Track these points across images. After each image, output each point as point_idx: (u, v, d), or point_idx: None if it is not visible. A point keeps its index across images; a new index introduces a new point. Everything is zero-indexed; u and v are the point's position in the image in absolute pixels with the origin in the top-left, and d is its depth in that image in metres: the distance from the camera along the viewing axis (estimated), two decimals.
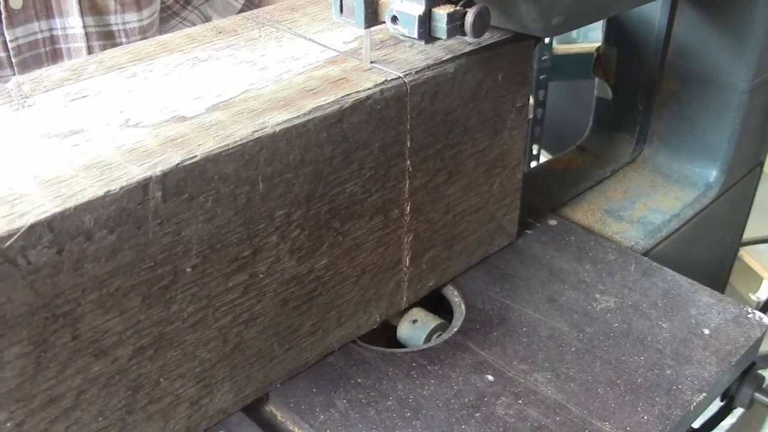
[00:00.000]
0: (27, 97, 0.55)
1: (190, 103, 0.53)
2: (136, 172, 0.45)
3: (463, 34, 0.57)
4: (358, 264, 0.60)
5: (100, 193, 0.43)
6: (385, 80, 0.57)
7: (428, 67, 0.59)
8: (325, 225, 0.56)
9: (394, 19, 0.57)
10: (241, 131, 0.49)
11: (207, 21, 1.25)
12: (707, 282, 0.74)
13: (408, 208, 0.62)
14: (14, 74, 0.93)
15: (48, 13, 0.97)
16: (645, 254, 0.82)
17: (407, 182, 0.61)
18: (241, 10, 1.25)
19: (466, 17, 0.56)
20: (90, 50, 0.99)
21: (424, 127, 0.60)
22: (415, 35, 0.56)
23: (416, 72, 0.58)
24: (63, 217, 0.42)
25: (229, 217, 0.50)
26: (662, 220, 0.89)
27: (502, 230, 0.75)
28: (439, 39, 0.57)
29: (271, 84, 0.56)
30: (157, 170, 0.45)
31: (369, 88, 0.55)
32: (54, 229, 0.42)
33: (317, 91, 0.55)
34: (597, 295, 0.71)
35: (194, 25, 1.23)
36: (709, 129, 0.94)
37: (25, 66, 0.96)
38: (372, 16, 0.58)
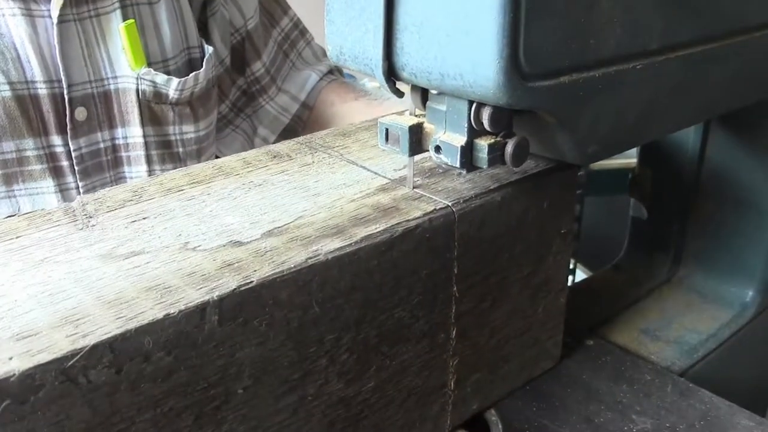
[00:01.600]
0: (90, 217, 0.58)
1: (245, 228, 0.55)
2: (194, 296, 0.47)
3: (504, 163, 0.59)
4: (404, 387, 0.61)
5: (160, 315, 0.45)
6: (434, 209, 0.58)
7: (476, 195, 0.61)
8: (374, 349, 0.57)
9: (438, 148, 0.59)
10: (295, 258, 0.51)
11: (254, 132, 1.29)
12: (747, 403, 0.73)
13: (454, 332, 0.63)
14: (76, 182, 0.97)
15: (111, 123, 1.02)
16: (682, 374, 0.82)
17: (454, 307, 0.62)
18: (288, 126, 1.29)
19: (507, 148, 0.58)
20: (149, 158, 1.05)
21: (471, 254, 0.61)
22: (458, 164, 0.58)
23: (464, 201, 0.60)
24: (124, 338, 0.44)
25: (281, 341, 0.51)
26: (699, 340, 0.89)
27: (545, 353, 0.76)
28: (480, 168, 0.59)
29: (324, 211, 0.58)
30: (215, 295, 0.47)
31: (418, 217, 0.57)
32: (115, 350, 0.43)
33: (368, 219, 0.56)
34: (633, 416, 0.71)
35: (246, 133, 1.28)
36: (744, 249, 0.94)
37: (87, 174, 1.01)
38: (416, 145, 0.61)
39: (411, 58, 0.55)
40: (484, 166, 0.58)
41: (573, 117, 0.59)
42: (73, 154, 0.99)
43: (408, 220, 0.57)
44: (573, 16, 0.53)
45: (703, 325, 0.92)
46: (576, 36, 0.54)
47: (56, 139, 0.98)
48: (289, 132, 1.30)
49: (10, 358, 0.41)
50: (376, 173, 0.65)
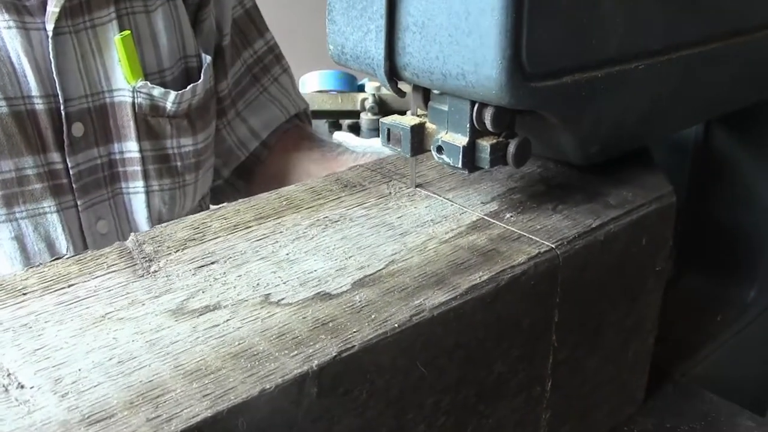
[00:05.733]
0: (150, 260, 0.51)
1: (331, 276, 0.49)
2: (291, 366, 0.40)
3: (506, 164, 0.56)
4: None
5: (255, 392, 0.39)
6: (539, 252, 0.52)
7: (579, 235, 0.55)
8: (471, 409, 0.51)
9: (440, 149, 0.57)
10: (397, 315, 0.45)
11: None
12: (747, 404, 0.72)
13: (549, 384, 0.57)
14: (74, 200, 0.92)
15: (107, 138, 0.97)
16: (682, 374, 0.79)
17: (551, 358, 0.56)
18: (244, 163, 1.23)
19: (509, 148, 0.56)
20: (146, 173, 1.00)
21: (572, 299, 0.55)
22: (459, 165, 0.56)
23: (568, 242, 0.54)
24: (215, 421, 0.37)
25: (381, 410, 0.45)
26: (699, 340, 0.87)
27: (630, 397, 0.69)
28: (482, 168, 0.57)
29: (416, 255, 0.51)
30: (314, 364, 0.41)
31: (523, 263, 0.51)
32: None
33: (469, 266, 0.50)
34: (636, 417, 0.69)
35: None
36: (745, 249, 0.92)
37: (85, 191, 0.96)
38: (418, 145, 0.59)
39: (413, 58, 0.54)
40: (486, 167, 0.56)
41: (575, 117, 0.57)
42: (71, 171, 0.93)
43: (513, 267, 0.50)
44: (575, 16, 0.52)
45: (704, 325, 0.90)
46: (578, 36, 0.53)
47: (55, 156, 0.92)
48: (243, 171, 1.23)
49: None
50: (462, 207, 0.58)
